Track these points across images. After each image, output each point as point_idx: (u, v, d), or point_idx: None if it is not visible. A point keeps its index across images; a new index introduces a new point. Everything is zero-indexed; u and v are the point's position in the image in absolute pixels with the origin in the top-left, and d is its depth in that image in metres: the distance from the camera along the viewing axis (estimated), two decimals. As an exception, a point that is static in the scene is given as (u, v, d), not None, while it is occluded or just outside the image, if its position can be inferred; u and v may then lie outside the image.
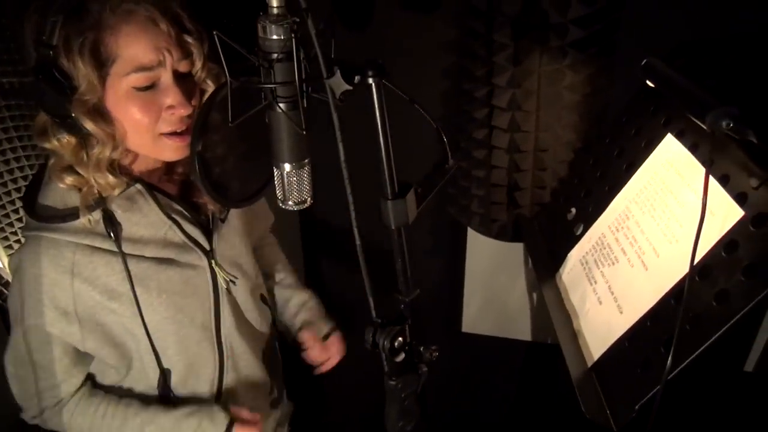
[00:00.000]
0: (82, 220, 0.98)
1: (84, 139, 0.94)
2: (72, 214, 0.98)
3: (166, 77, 0.94)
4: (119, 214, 1.00)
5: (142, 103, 0.94)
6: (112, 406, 1.10)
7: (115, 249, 0.99)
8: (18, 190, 1.95)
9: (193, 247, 1.08)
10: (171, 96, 0.95)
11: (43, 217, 0.99)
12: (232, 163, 0.89)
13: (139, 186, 1.02)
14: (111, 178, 0.97)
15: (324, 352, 1.33)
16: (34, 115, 1.98)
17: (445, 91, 1.51)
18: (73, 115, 0.90)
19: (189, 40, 0.95)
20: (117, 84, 0.92)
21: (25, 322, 1.01)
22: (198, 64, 0.97)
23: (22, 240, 1.05)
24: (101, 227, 0.99)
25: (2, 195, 1.93)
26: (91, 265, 0.99)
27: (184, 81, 0.97)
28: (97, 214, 0.99)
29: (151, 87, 0.94)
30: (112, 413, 1.10)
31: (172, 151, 1.00)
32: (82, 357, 1.09)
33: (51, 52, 0.87)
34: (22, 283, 1.00)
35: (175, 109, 0.95)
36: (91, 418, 1.10)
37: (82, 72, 0.89)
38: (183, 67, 0.96)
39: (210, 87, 1.01)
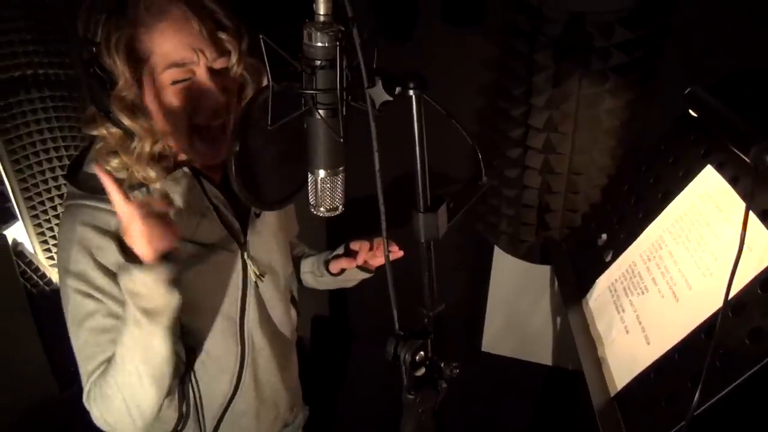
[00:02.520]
0: None
1: (128, 132, 0.96)
2: None
3: (200, 72, 0.96)
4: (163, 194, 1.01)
5: (178, 93, 0.96)
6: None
7: None
8: (55, 179, 1.99)
9: (229, 236, 1.10)
10: (206, 92, 0.97)
11: (88, 187, 1.01)
12: (267, 165, 0.89)
13: (186, 170, 1.04)
14: (151, 172, 0.99)
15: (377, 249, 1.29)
16: (76, 106, 2.03)
17: (480, 108, 1.50)
18: (112, 110, 0.93)
19: (224, 37, 0.97)
20: (153, 80, 0.95)
21: (69, 288, 1.00)
22: (234, 60, 0.99)
23: (59, 219, 1.05)
24: None
25: (39, 183, 1.97)
26: None
27: (220, 76, 0.99)
28: (139, 194, 1.00)
29: (187, 80, 0.96)
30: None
31: (204, 158, 1.03)
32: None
33: (94, 49, 0.91)
34: (68, 250, 1.00)
35: (209, 102, 0.97)
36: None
37: (120, 68, 0.92)
38: (218, 64, 0.98)
39: (248, 81, 1.02)
